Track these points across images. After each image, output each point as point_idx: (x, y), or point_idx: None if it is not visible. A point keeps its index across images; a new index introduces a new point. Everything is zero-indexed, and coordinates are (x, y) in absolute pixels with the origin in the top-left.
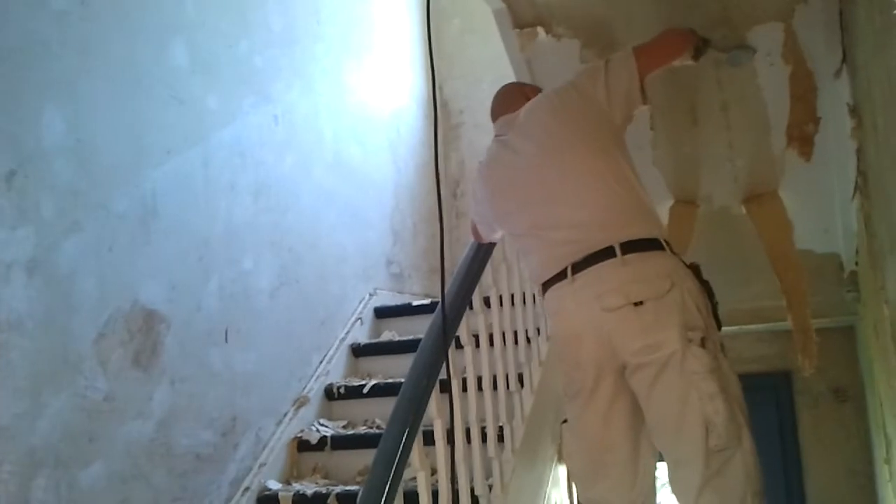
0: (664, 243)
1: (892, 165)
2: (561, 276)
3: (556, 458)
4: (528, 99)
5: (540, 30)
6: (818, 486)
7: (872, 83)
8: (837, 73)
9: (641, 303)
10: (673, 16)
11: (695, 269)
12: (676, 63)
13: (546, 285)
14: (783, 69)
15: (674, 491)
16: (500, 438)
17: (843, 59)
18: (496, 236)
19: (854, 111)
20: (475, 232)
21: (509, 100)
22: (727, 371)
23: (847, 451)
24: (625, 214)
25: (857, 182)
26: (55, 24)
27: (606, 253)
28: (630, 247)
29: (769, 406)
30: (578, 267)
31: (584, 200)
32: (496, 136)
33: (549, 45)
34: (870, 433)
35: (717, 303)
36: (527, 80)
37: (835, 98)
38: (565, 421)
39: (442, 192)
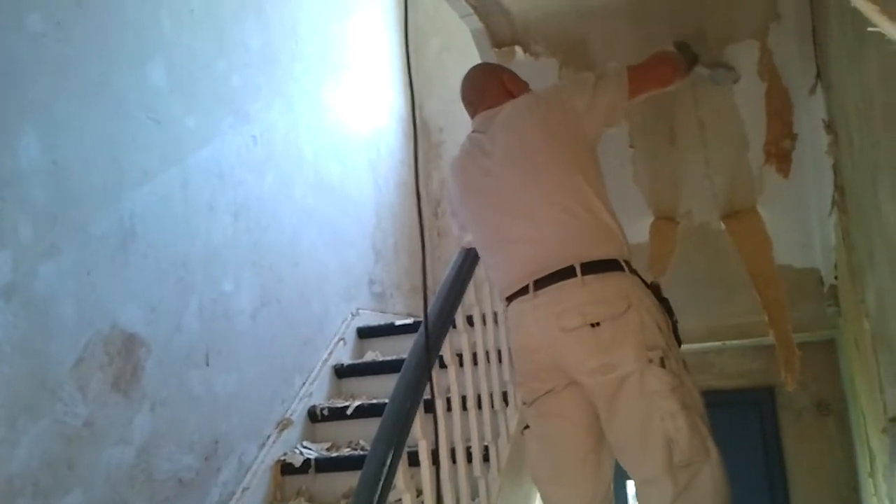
0: (623, 264)
1: (868, 181)
2: (523, 291)
3: None
4: (507, 90)
5: (518, 49)
6: (803, 500)
7: (847, 98)
8: (812, 90)
9: (598, 324)
10: (650, 34)
11: (654, 289)
12: (669, 89)
13: (509, 299)
14: (759, 86)
15: None
16: (486, 458)
17: (818, 75)
18: (468, 238)
19: (830, 127)
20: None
21: (489, 90)
22: (690, 387)
23: (831, 465)
24: (587, 235)
25: (834, 197)
26: (31, 46)
27: (567, 272)
28: (590, 268)
29: (753, 421)
30: (540, 284)
31: (549, 218)
32: (473, 131)
33: (528, 63)
34: (853, 446)
35: (676, 321)
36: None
37: (811, 114)
38: (526, 427)
39: (423, 211)
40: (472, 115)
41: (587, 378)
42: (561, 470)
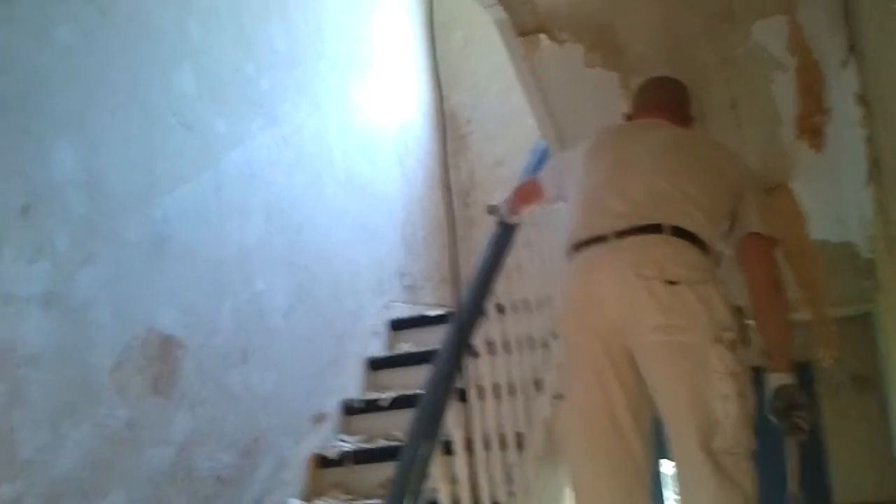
0: (710, 250)
1: None
2: (600, 239)
3: None
4: (688, 117)
5: (542, 36)
6: (842, 473)
7: (880, 70)
8: (844, 63)
9: (675, 283)
10: (676, 16)
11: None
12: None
13: (578, 246)
14: (790, 61)
15: (678, 484)
16: (520, 445)
17: (850, 48)
18: (548, 195)
19: (863, 100)
20: (523, 192)
21: (677, 108)
22: (746, 384)
23: (869, 439)
24: (690, 206)
25: (869, 170)
26: (60, 59)
27: (653, 228)
28: (678, 232)
29: None
30: (622, 234)
31: (659, 197)
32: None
33: (553, 50)
34: (891, 420)
35: (746, 323)
36: (532, 87)
37: (843, 88)
38: (559, 396)
39: (452, 202)
40: (643, 115)
41: (648, 335)
42: (603, 445)
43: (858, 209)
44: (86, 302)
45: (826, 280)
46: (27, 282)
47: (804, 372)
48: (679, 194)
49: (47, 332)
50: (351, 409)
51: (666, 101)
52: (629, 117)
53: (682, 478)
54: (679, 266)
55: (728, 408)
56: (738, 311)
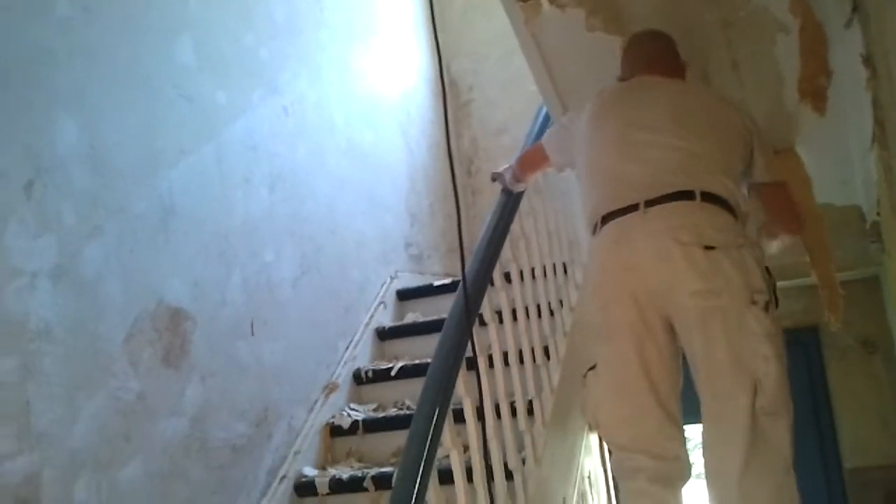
0: (738, 213)
1: None
2: (631, 208)
3: (587, 426)
4: (682, 67)
5: (544, 1)
6: (851, 436)
7: (886, 31)
8: (848, 24)
9: (712, 248)
10: None
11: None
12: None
13: (607, 217)
14: (792, 23)
15: (708, 448)
16: (530, 412)
17: (853, 9)
18: (555, 161)
19: (867, 61)
20: (527, 159)
21: (672, 60)
22: (781, 344)
23: (877, 401)
24: (713, 167)
25: (874, 132)
26: (60, 33)
27: (685, 195)
28: (709, 197)
29: (798, 361)
30: (652, 202)
31: (680, 152)
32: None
33: (554, 15)
34: None
35: (776, 284)
36: (534, 53)
37: (847, 49)
38: (591, 368)
39: (456, 171)
40: (637, 74)
41: (688, 299)
42: (643, 409)
43: (864, 172)
44: (94, 275)
45: (832, 244)
46: (35, 256)
47: (811, 336)
48: (700, 158)
49: (58, 306)
50: (361, 379)
51: (658, 55)
52: (623, 79)
53: (714, 440)
54: (715, 231)
55: (768, 368)
56: (768, 273)
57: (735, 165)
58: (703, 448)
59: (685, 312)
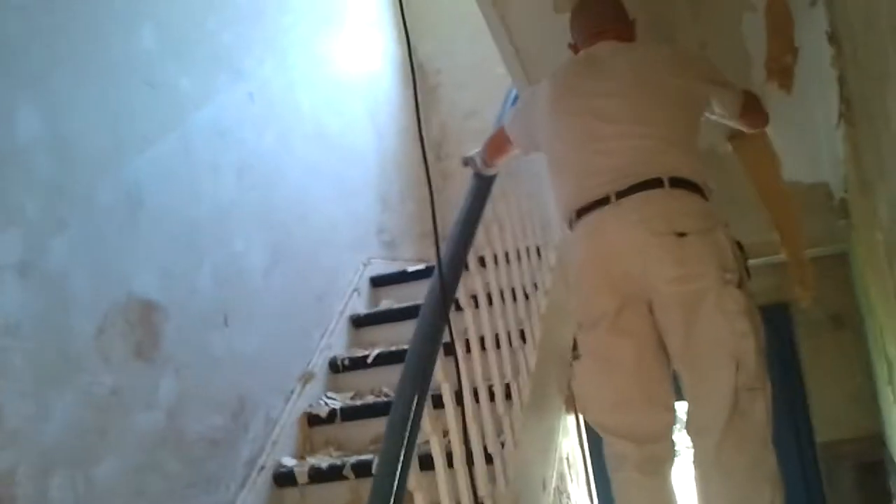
0: (707, 193)
1: (876, 93)
2: (602, 201)
3: (564, 408)
4: (632, 29)
5: None
6: (823, 412)
7: (850, 9)
8: (814, 2)
9: (684, 234)
10: None
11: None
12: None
13: (581, 211)
14: (759, 2)
15: (692, 428)
16: (508, 396)
17: None
18: (516, 151)
19: (833, 39)
20: (494, 145)
21: (619, 24)
22: (758, 316)
23: (849, 377)
24: (677, 157)
25: (840, 110)
26: (19, 19)
27: (654, 183)
28: (676, 183)
29: (770, 338)
30: (623, 194)
31: (646, 139)
32: (588, 53)
33: None
34: (870, 357)
35: (747, 257)
36: (502, 35)
37: (812, 27)
38: (576, 358)
39: (426, 155)
40: (589, 40)
41: (666, 286)
42: (628, 395)
43: (830, 149)
44: (62, 269)
45: (802, 221)
46: (0, 250)
47: (782, 313)
48: (664, 141)
49: (25, 302)
50: (337, 367)
51: (607, 19)
52: (575, 48)
53: (697, 421)
54: (686, 217)
55: (748, 344)
56: (739, 248)
57: (694, 128)
58: (687, 428)
59: (664, 298)
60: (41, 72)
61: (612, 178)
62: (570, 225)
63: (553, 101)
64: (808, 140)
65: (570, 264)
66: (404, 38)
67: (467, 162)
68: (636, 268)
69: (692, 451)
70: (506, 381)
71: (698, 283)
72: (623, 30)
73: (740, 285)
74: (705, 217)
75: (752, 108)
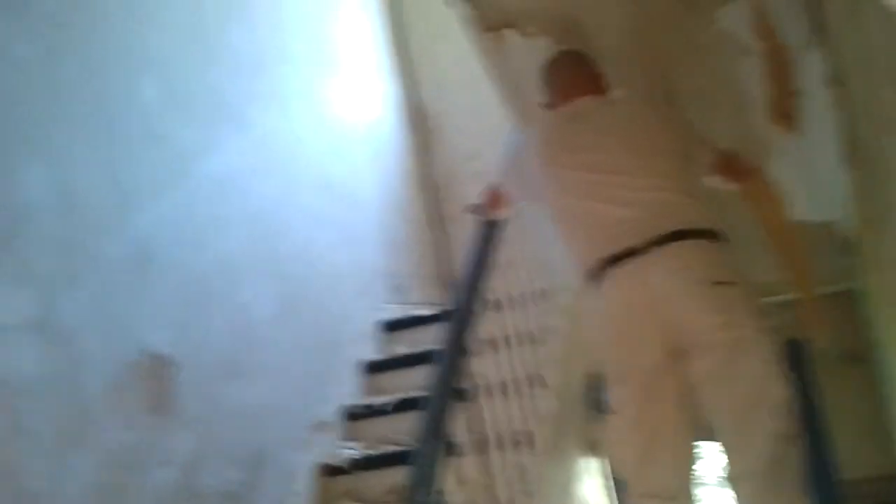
0: (725, 238)
1: (878, 134)
2: (632, 252)
3: (587, 452)
4: (603, 83)
5: (509, 31)
6: (844, 449)
7: (848, 53)
8: (809, 45)
9: (721, 283)
10: (641, 4)
11: None
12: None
13: (607, 263)
14: (755, 47)
15: (732, 475)
16: (527, 442)
17: (815, 30)
18: (518, 199)
19: (833, 81)
20: (492, 197)
21: (591, 80)
22: (787, 368)
23: (867, 412)
24: (696, 208)
25: (844, 149)
26: (22, 77)
27: (682, 234)
28: (702, 233)
29: None
30: (654, 244)
31: (656, 190)
32: (570, 111)
33: (520, 42)
34: (887, 391)
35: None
36: (501, 78)
37: (812, 69)
38: (608, 411)
39: (428, 198)
40: (565, 97)
41: (708, 335)
42: (656, 451)
43: (835, 188)
44: (75, 326)
45: (810, 261)
46: (12, 310)
47: (797, 352)
48: (675, 190)
49: (39, 361)
50: (351, 415)
51: (580, 75)
52: (551, 105)
53: (738, 472)
54: (721, 267)
55: (786, 391)
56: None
57: (698, 182)
58: (727, 475)
59: (705, 347)
60: (44, 127)
61: (636, 229)
62: (593, 276)
63: (546, 158)
64: (812, 179)
65: (601, 317)
66: (404, 83)
67: (472, 209)
68: (678, 317)
69: (734, 497)
70: (525, 428)
71: (738, 331)
72: (597, 84)
73: (772, 333)
74: (735, 266)
75: (728, 162)
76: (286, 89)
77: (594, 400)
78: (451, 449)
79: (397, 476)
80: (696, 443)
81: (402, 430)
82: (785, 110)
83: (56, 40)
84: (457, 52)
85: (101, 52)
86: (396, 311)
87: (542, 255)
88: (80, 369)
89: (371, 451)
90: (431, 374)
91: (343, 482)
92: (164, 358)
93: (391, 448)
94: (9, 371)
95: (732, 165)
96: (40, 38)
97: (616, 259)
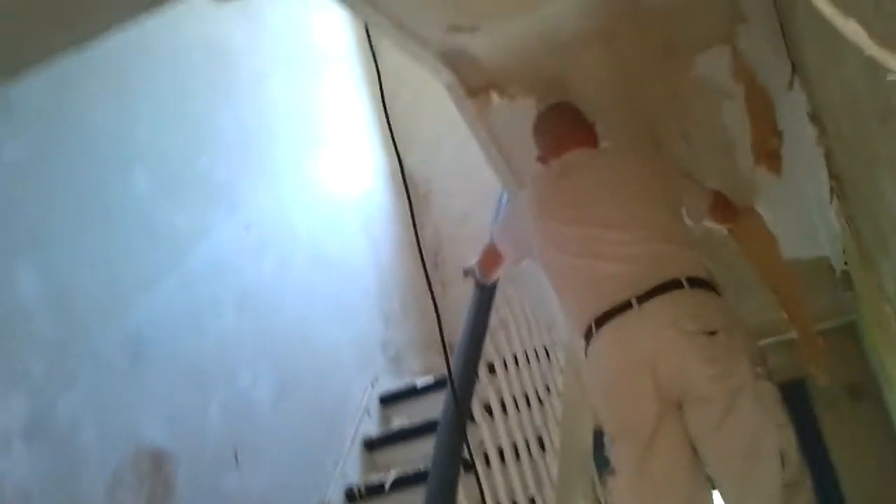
0: (718, 288)
1: (865, 172)
2: (624, 307)
3: None
4: (595, 135)
5: (493, 94)
6: (853, 485)
7: (829, 91)
8: (790, 85)
9: (714, 332)
10: (622, 58)
11: None
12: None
13: (602, 319)
14: (737, 89)
15: None
16: None
17: (794, 70)
18: (511, 259)
19: (815, 119)
20: (487, 259)
21: (584, 132)
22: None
23: (874, 447)
24: (685, 257)
25: (831, 186)
26: (10, 176)
27: (674, 284)
28: (694, 282)
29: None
30: (645, 297)
31: (648, 242)
32: (563, 163)
33: (505, 105)
34: (893, 424)
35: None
36: (488, 141)
37: (795, 107)
38: (610, 473)
39: (426, 267)
40: (558, 150)
41: (704, 386)
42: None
43: (825, 224)
44: (69, 427)
45: (806, 297)
46: (7, 414)
47: (798, 390)
48: (666, 240)
49: (32, 467)
50: (353, 497)
51: (571, 128)
52: (544, 159)
53: None
54: (712, 315)
55: (789, 435)
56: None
57: (687, 230)
58: None
59: (702, 399)
60: (37, 227)
61: (627, 283)
62: (589, 333)
63: (539, 213)
64: (802, 217)
65: (596, 375)
66: (391, 152)
67: (467, 273)
68: (672, 370)
69: None
70: (530, 495)
71: (734, 381)
72: (588, 136)
73: (769, 377)
74: (728, 314)
75: (722, 203)
76: (275, 168)
77: (604, 458)
78: None
79: None
80: (709, 492)
81: None
82: (769, 150)
83: (44, 136)
84: (442, 113)
85: (90, 148)
86: (394, 383)
87: (537, 314)
88: (76, 472)
89: None
90: (435, 447)
91: None
92: (161, 452)
93: None
94: (3, 477)
95: (724, 206)
96: (29, 138)
97: (608, 316)
